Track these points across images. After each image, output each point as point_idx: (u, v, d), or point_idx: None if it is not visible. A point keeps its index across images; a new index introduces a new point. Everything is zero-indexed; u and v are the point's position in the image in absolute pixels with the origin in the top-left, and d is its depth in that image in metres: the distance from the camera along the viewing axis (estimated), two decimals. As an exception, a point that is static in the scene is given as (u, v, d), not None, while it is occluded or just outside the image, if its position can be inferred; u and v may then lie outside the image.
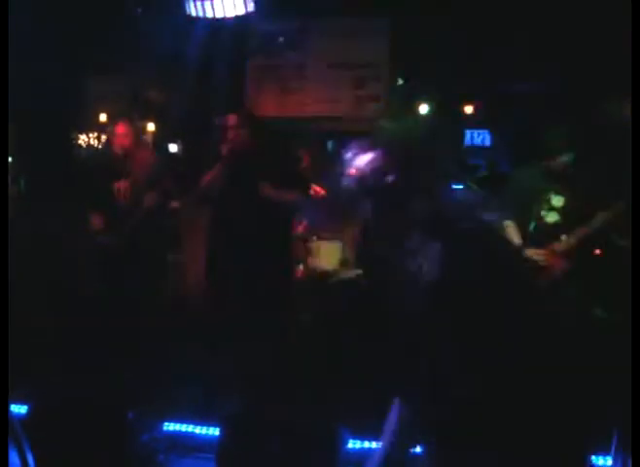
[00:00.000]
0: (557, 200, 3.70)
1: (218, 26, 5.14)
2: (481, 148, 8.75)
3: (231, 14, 3.81)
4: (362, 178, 1.80)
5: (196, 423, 3.23)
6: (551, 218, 3.71)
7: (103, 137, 7.37)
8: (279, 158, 3.69)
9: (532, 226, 3.76)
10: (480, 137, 8.85)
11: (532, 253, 3.69)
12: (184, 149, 7.73)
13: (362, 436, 3.07)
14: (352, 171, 1.75)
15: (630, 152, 2.48)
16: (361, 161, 1.72)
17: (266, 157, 3.52)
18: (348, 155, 1.67)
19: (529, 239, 3.75)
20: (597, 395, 3.19)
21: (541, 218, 3.73)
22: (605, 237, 4.47)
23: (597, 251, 4.54)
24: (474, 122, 8.31)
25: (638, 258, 2.16)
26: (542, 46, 5.82)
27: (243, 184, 3.40)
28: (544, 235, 3.71)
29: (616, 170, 4.03)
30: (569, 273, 3.66)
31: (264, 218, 3.44)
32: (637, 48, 2.25)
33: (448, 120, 7.63)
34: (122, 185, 4.01)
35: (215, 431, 3.09)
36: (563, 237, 3.66)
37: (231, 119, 3.52)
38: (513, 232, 3.69)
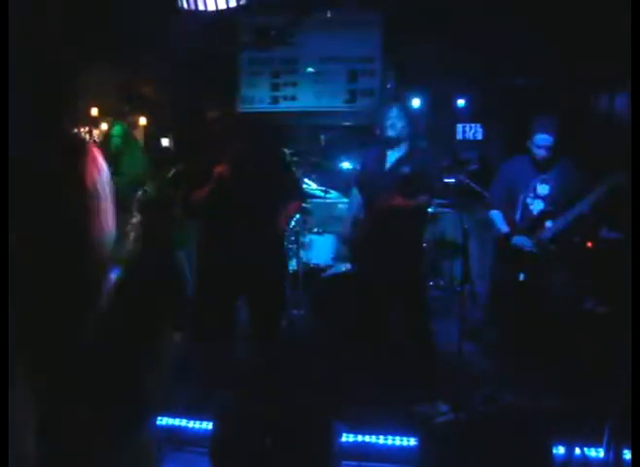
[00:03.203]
0: (543, 189, 3.73)
1: (210, 20, 5.11)
2: (474, 141, 8.76)
3: (222, 7, 3.78)
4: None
5: (190, 418, 3.24)
6: (537, 206, 3.74)
7: (95, 132, 7.33)
8: (272, 156, 3.66)
9: (518, 214, 3.79)
10: (472, 131, 8.86)
11: (520, 240, 3.73)
12: (175, 143, 7.70)
13: (356, 429, 3.09)
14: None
15: (620, 144, 2.50)
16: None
17: (259, 157, 3.49)
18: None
19: (516, 228, 3.79)
20: (590, 387, 3.22)
21: (526, 206, 3.76)
22: (595, 229, 4.51)
23: (589, 244, 4.57)
24: (466, 115, 8.32)
25: (638, 255, 2.17)
26: (535, 40, 5.83)
27: (237, 191, 3.37)
28: (530, 224, 3.74)
29: (600, 160, 4.06)
30: (558, 262, 3.69)
31: (259, 221, 3.43)
32: (637, 44, 2.25)
33: (441, 113, 7.65)
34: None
35: (209, 426, 3.10)
36: (548, 224, 3.69)
37: (231, 117, 3.49)
38: None
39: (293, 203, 3.65)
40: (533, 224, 3.74)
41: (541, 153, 3.67)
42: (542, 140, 3.64)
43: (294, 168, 4.34)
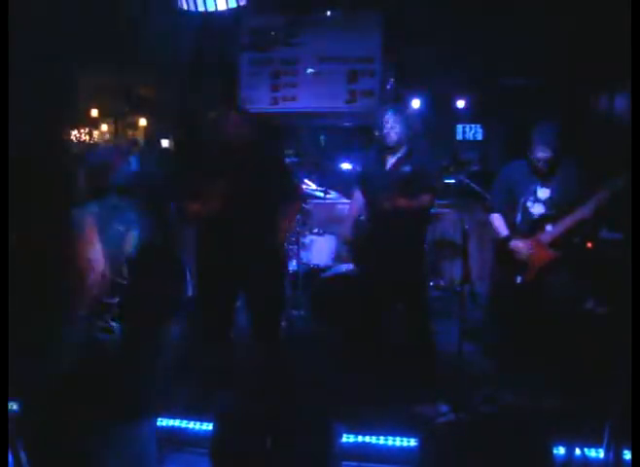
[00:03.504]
0: (543, 193, 3.72)
1: (210, 20, 5.12)
2: (474, 142, 8.78)
3: (223, 7, 3.78)
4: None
5: (190, 418, 3.23)
6: (537, 210, 3.73)
7: (95, 133, 7.34)
8: (271, 157, 3.66)
9: (519, 217, 3.78)
10: (472, 131, 8.88)
11: (518, 244, 3.72)
12: (175, 144, 7.71)
13: (356, 430, 3.08)
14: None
15: (621, 147, 2.49)
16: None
17: (258, 157, 3.48)
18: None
19: (516, 231, 3.78)
20: (590, 387, 3.22)
21: (527, 209, 3.75)
22: (595, 230, 4.50)
23: (589, 245, 4.57)
24: (466, 116, 8.33)
25: (638, 255, 2.17)
26: (535, 41, 5.83)
27: (237, 190, 3.36)
28: (530, 227, 3.73)
29: (601, 163, 4.06)
30: (557, 263, 3.68)
31: (257, 221, 3.41)
32: (637, 45, 2.26)
33: (441, 114, 7.66)
34: None
35: (209, 426, 3.09)
36: (549, 228, 3.68)
37: (231, 118, 3.46)
38: None
39: (292, 206, 3.64)
40: (533, 227, 3.73)
41: (541, 165, 3.66)
42: (542, 152, 3.63)
43: (293, 169, 4.32)
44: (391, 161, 3.78)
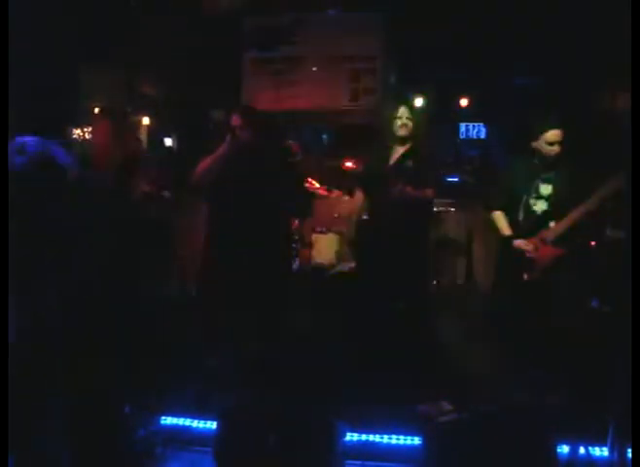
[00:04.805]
0: (545, 189, 3.70)
1: (213, 19, 5.12)
2: (477, 140, 8.76)
3: (226, 6, 3.77)
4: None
5: (194, 417, 3.24)
6: (540, 207, 3.72)
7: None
8: (277, 152, 3.65)
9: (521, 215, 3.76)
10: (475, 130, 8.86)
11: (521, 243, 3.71)
12: (178, 142, 7.70)
13: (360, 429, 3.08)
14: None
15: (622, 143, 2.48)
16: None
17: (264, 150, 3.47)
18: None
19: (519, 229, 3.76)
20: (594, 386, 3.21)
21: (529, 207, 3.74)
22: (599, 228, 4.49)
23: (592, 243, 4.56)
24: (469, 114, 8.31)
25: (638, 254, 2.16)
26: (537, 38, 5.82)
27: (241, 178, 3.35)
28: (533, 224, 3.72)
29: (602, 159, 4.05)
30: (561, 262, 3.66)
31: (262, 212, 3.40)
32: (637, 45, 2.25)
33: (444, 112, 7.64)
34: None
35: (212, 425, 3.09)
36: (552, 225, 3.67)
37: (236, 119, 3.45)
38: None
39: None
40: (537, 224, 3.71)
41: (554, 150, 3.63)
42: (555, 136, 3.61)
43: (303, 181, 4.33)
44: (394, 156, 3.79)
